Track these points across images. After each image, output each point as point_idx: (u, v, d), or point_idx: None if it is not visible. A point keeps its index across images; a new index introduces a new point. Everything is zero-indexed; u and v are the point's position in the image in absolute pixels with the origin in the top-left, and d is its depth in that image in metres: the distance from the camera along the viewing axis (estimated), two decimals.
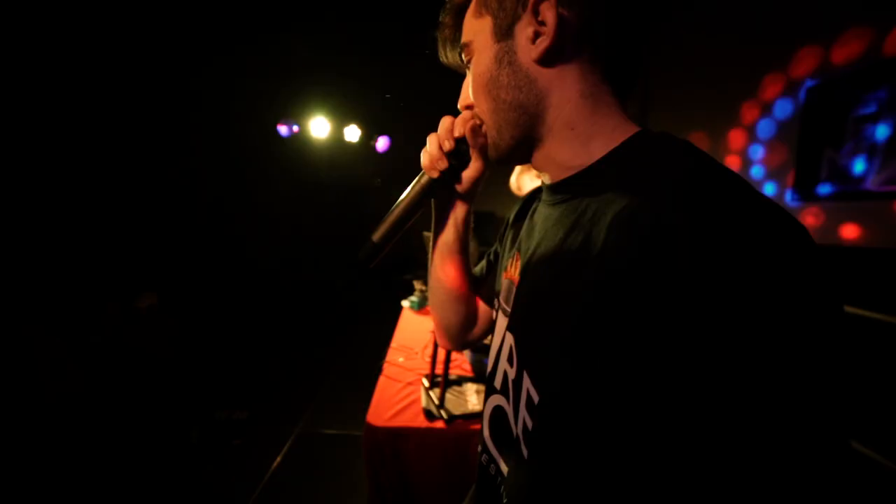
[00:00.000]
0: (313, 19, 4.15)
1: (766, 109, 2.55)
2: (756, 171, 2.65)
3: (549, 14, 0.44)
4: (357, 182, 5.94)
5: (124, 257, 3.84)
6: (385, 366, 1.66)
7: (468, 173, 0.60)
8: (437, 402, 1.29)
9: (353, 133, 5.26)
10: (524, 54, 0.46)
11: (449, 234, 0.68)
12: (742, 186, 0.36)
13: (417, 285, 2.57)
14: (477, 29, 0.50)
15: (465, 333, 0.79)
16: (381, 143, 5.42)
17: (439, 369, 1.48)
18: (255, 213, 5.35)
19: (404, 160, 6.10)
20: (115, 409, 2.73)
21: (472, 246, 0.73)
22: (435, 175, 0.58)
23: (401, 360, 1.70)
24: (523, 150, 0.51)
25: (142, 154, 4.06)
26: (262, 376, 3.42)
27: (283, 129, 4.90)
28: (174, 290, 4.02)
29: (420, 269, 6.45)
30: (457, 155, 0.58)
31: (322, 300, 5.76)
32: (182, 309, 3.96)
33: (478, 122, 0.54)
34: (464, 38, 0.53)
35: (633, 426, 0.36)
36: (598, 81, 0.46)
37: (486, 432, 0.61)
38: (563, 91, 0.46)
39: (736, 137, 2.82)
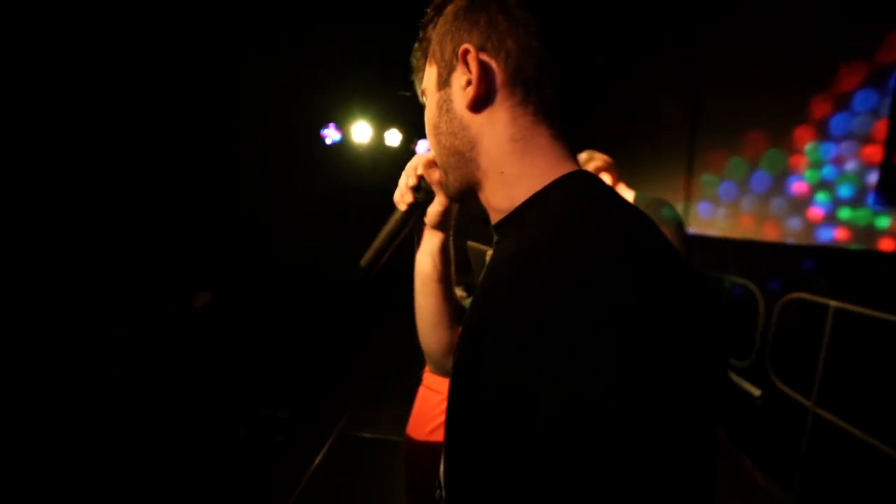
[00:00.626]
0: (355, 23, 4.22)
1: (843, 102, 2.32)
2: (827, 173, 2.43)
3: (473, 64, 0.45)
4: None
5: (183, 259, 4.06)
6: (424, 375, 1.63)
7: (433, 207, 0.65)
8: None
9: (393, 137, 5.32)
10: (458, 102, 0.48)
11: (425, 264, 0.71)
12: (599, 243, 0.36)
13: (458, 291, 2.54)
14: (428, 77, 0.53)
15: (445, 360, 0.77)
16: (422, 147, 5.44)
17: None
18: (300, 217, 5.52)
19: None
20: (167, 401, 2.88)
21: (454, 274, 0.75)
22: (403, 208, 0.64)
23: None
24: (468, 192, 0.53)
25: (197, 163, 4.28)
26: (304, 377, 3.51)
27: (328, 135, 5.03)
28: (226, 291, 4.20)
29: (460, 275, 6.42)
30: (419, 190, 0.63)
31: (362, 303, 5.85)
32: (232, 309, 4.14)
33: (433, 161, 0.60)
34: (422, 85, 0.56)
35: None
36: (530, 124, 0.46)
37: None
38: (493, 136, 0.47)
39: (803, 135, 2.59)
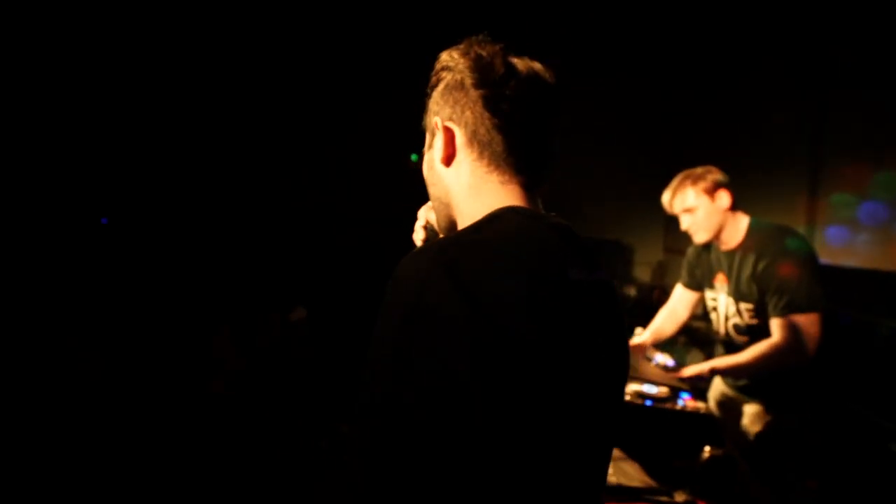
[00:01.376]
0: (439, 43, 4.38)
1: None
2: None
3: (443, 131, 0.61)
4: None
5: (286, 272, 4.42)
6: None
7: None
8: None
9: None
10: (437, 160, 0.63)
11: None
12: (451, 255, 0.45)
13: None
14: (426, 140, 0.69)
15: None
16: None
17: None
18: (390, 235, 5.73)
19: None
20: (263, 409, 3.10)
21: None
22: (418, 244, 0.76)
23: None
24: (452, 228, 0.66)
25: (300, 185, 4.69)
26: None
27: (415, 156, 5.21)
28: (320, 306, 4.48)
29: None
30: (428, 229, 0.75)
31: None
32: (324, 324, 4.39)
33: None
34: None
35: None
36: (483, 174, 0.60)
37: None
38: (458, 184, 0.61)
39: None
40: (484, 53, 0.59)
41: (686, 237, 1.75)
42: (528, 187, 0.60)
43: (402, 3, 4.28)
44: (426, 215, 0.76)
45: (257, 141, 4.16)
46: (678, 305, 1.91)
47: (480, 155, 0.60)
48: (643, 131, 6.07)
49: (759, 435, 1.51)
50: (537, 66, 0.61)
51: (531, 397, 0.42)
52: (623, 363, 0.59)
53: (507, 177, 0.59)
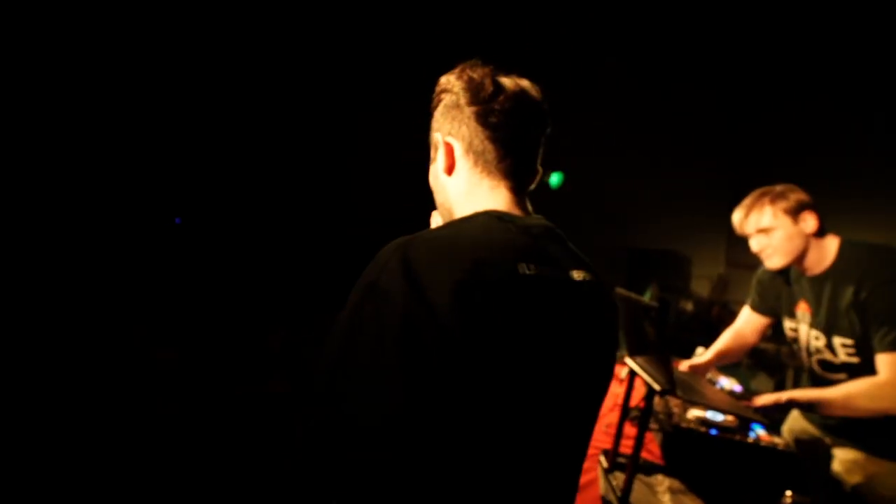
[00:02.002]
0: (481, 52, 4.37)
1: None
2: None
3: (444, 146, 0.69)
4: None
5: (334, 274, 4.55)
6: None
7: None
8: (618, 492, 1.08)
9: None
10: (441, 170, 0.70)
11: None
12: (417, 240, 0.54)
13: None
14: (431, 154, 0.74)
15: None
16: (555, 179, 5.31)
17: (625, 447, 1.25)
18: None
19: (578, 197, 5.83)
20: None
21: None
22: None
23: None
24: None
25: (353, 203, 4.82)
26: None
27: None
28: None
29: None
30: None
31: None
32: None
33: None
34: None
35: None
36: (478, 180, 0.67)
37: None
38: (457, 191, 0.68)
39: None
40: (475, 75, 0.67)
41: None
42: (516, 190, 0.67)
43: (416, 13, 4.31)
44: (434, 221, 0.84)
45: (317, 148, 4.33)
46: (745, 329, 1.73)
47: (475, 163, 0.67)
48: (702, 138, 5.74)
49: (859, 487, 1.30)
50: (524, 82, 0.68)
51: (450, 369, 0.46)
52: (597, 358, 0.62)
53: (496, 181, 0.67)
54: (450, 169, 0.69)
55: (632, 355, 1.24)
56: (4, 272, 4.02)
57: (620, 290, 1.22)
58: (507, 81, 0.67)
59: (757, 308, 1.67)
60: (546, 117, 0.69)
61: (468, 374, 0.47)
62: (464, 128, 0.66)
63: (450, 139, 0.68)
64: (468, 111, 0.66)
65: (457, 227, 0.60)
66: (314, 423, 0.47)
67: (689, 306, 6.41)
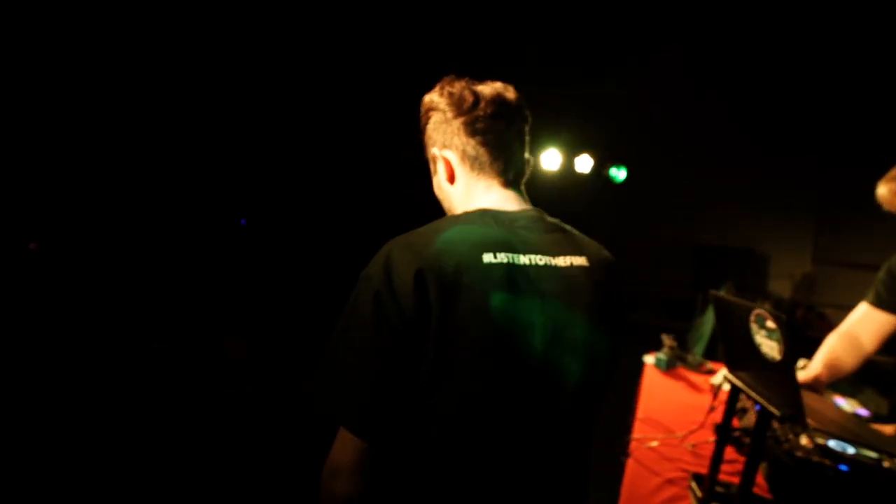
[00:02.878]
0: (541, 45, 4.17)
1: None
2: None
3: (441, 158, 0.77)
4: (590, 216, 5.67)
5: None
6: (632, 445, 1.35)
7: None
8: None
9: (584, 163, 5.05)
10: (444, 180, 0.78)
11: None
12: (420, 235, 0.65)
13: (667, 341, 2.12)
14: (431, 168, 0.82)
15: None
16: (618, 173, 5.02)
17: (724, 474, 1.08)
18: None
19: (642, 192, 5.46)
20: None
21: None
22: None
23: (654, 443, 1.35)
24: None
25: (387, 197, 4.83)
26: None
27: None
28: None
29: (670, 316, 5.56)
30: None
31: None
32: None
33: None
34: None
35: None
36: (474, 182, 0.75)
37: None
38: (458, 195, 0.77)
39: None
40: (455, 90, 0.73)
41: (849, 246, 1.33)
42: (509, 185, 0.75)
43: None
44: None
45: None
46: (862, 332, 1.43)
47: (472, 168, 0.74)
48: (783, 128, 5.17)
49: None
50: (497, 85, 0.74)
51: (406, 334, 0.58)
52: (577, 337, 0.65)
53: (491, 180, 0.74)
54: (451, 178, 0.76)
55: (733, 370, 1.06)
56: (97, 267, 4.38)
57: (718, 293, 1.05)
58: (483, 88, 0.73)
59: (883, 305, 1.38)
60: (523, 111, 0.75)
61: (421, 338, 0.58)
62: (455, 139, 0.73)
63: (446, 152, 0.75)
64: (456, 123, 0.73)
65: (437, 225, 0.67)
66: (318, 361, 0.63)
67: (768, 307, 5.83)
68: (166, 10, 3.82)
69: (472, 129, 0.72)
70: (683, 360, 2.10)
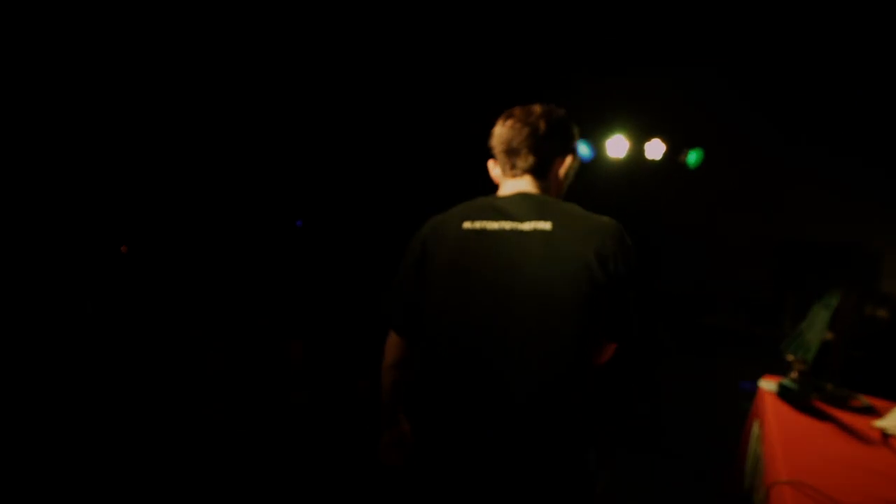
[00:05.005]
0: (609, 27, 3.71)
1: None
2: None
3: (490, 167, 1.14)
4: (660, 204, 5.09)
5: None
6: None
7: None
8: None
9: (655, 149, 4.49)
10: (497, 179, 1.13)
11: None
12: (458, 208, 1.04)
13: (796, 363, 1.63)
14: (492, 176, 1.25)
15: None
16: (693, 158, 4.42)
17: None
18: None
19: (718, 177, 4.77)
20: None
21: None
22: None
23: None
24: None
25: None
26: None
27: (584, 151, 4.58)
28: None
29: (752, 321, 4.91)
30: None
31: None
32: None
33: None
34: None
35: None
36: (504, 177, 1.08)
37: None
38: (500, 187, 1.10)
39: None
40: (495, 127, 1.10)
41: None
42: (518, 175, 1.05)
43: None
44: None
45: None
46: None
47: (503, 167, 1.08)
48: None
49: None
50: (516, 109, 1.07)
51: (418, 272, 0.99)
52: (533, 280, 0.88)
53: (508, 178, 1.07)
54: (497, 178, 1.12)
55: None
56: (162, 271, 4.45)
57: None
58: (503, 118, 1.07)
59: None
60: (527, 125, 1.03)
61: (422, 269, 0.98)
62: (493, 146, 1.09)
63: (492, 164, 1.12)
64: (493, 146, 1.09)
65: (457, 206, 1.03)
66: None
67: (882, 312, 5.01)
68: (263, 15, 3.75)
69: (494, 147, 1.09)
70: (821, 390, 1.61)
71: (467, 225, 0.94)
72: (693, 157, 4.40)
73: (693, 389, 3.81)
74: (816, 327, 3.09)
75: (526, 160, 1.02)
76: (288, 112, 4.75)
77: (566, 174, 1.07)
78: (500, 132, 1.05)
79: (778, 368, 1.81)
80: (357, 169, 4.94)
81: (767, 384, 1.69)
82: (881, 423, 1.30)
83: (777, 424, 1.43)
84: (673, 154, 4.57)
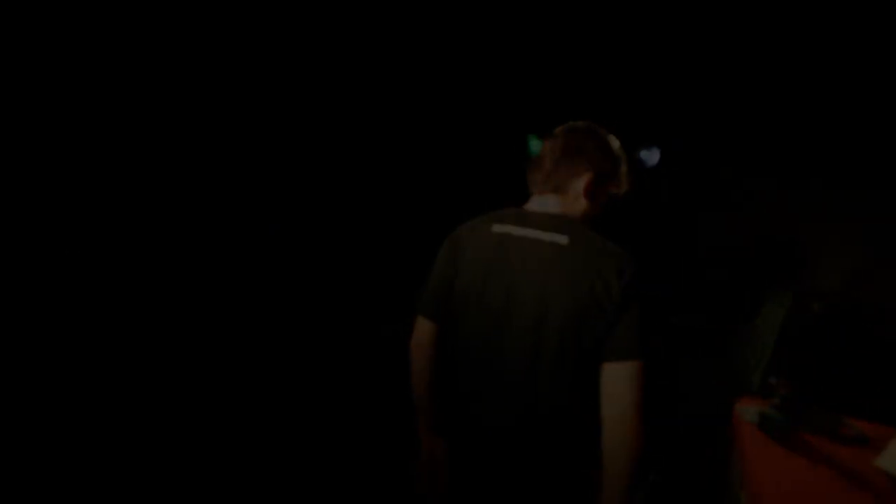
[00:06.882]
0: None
1: None
2: None
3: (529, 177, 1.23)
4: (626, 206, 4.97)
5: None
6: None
7: None
8: None
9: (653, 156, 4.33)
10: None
11: None
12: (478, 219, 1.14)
13: (780, 387, 1.46)
14: None
15: None
16: (651, 157, 4.33)
17: None
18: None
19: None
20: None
21: None
22: None
23: None
24: None
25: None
26: None
27: (646, 156, 4.34)
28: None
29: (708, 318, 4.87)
30: None
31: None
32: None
33: None
34: None
35: None
36: (532, 190, 1.12)
37: None
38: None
39: None
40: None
41: None
42: (541, 192, 1.09)
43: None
44: None
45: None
46: None
47: (532, 185, 1.11)
48: None
49: None
50: (559, 128, 1.11)
51: (448, 270, 1.08)
52: (545, 283, 0.95)
53: (534, 190, 1.11)
54: (530, 189, 1.16)
55: None
56: (211, 268, 3.96)
57: None
58: (546, 141, 1.13)
59: None
60: (561, 144, 1.07)
61: (452, 266, 1.08)
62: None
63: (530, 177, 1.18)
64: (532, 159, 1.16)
65: (491, 213, 1.09)
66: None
67: (817, 308, 5.08)
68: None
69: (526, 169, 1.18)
70: (808, 419, 1.44)
71: (496, 228, 1.04)
72: (651, 156, 4.30)
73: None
74: (771, 325, 2.99)
75: (549, 179, 1.06)
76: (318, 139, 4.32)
77: (594, 194, 1.05)
78: (542, 148, 1.11)
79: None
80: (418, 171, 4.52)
81: (746, 412, 1.51)
82: (883, 463, 1.13)
83: (760, 466, 1.24)
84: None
